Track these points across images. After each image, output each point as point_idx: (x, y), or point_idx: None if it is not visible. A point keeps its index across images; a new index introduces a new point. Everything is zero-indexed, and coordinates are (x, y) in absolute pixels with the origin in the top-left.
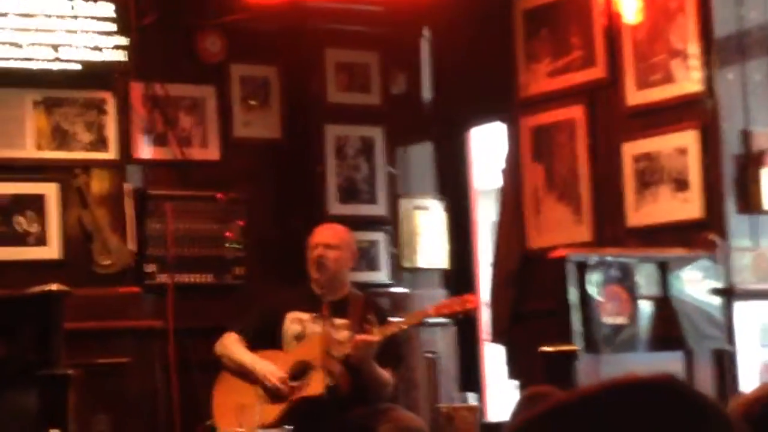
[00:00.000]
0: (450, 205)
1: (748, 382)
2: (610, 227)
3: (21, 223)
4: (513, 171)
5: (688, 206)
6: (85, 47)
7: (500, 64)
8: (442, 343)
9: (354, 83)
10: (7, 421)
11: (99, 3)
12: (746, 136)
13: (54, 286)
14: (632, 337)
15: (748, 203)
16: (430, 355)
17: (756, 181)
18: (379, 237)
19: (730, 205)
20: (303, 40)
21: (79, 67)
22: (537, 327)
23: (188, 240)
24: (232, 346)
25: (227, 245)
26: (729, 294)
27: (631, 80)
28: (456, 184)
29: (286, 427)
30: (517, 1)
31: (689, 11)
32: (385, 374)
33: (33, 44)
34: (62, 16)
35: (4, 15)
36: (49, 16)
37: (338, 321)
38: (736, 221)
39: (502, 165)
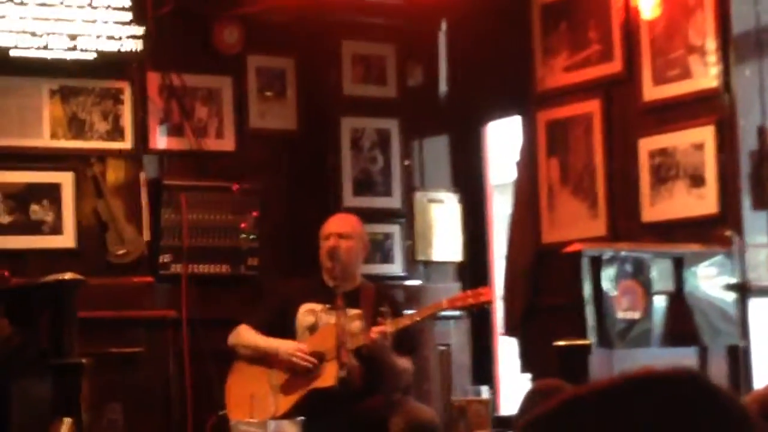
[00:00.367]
0: (465, 199)
1: (761, 378)
2: (625, 222)
3: (36, 211)
4: (528, 165)
5: (704, 202)
6: (102, 37)
7: (517, 57)
8: (455, 335)
9: (370, 75)
10: (20, 409)
11: None
12: (763, 132)
13: (68, 275)
14: (646, 333)
15: (764, 199)
16: (443, 347)
17: None
18: (394, 230)
19: (746, 201)
20: (320, 32)
21: (95, 56)
22: (551, 321)
23: (203, 230)
24: (246, 334)
25: (242, 236)
26: (744, 290)
27: (648, 75)
28: (471, 178)
29: (299, 418)
30: None
31: (707, 7)
32: (404, 362)
33: (50, 33)
34: (80, 6)
35: (23, 4)
36: (67, 6)
37: (351, 312)
38: (751, 217)
39: (517, 159)
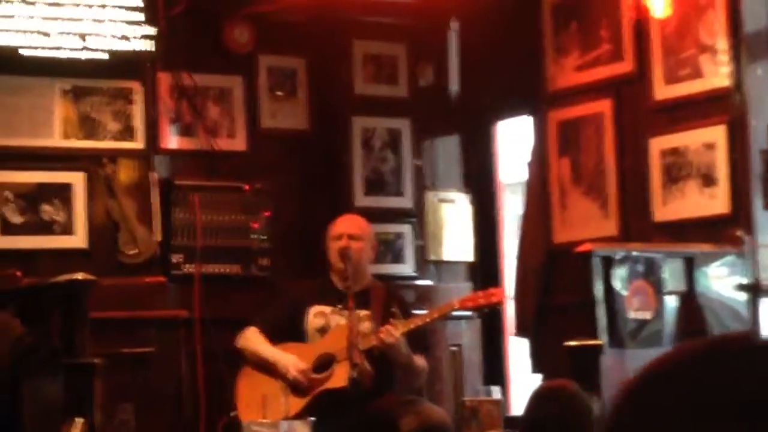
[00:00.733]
0: (476, 198)
1: None
2: (636, 222)
3: (47, 211)
4: (539, 164)
5: (716, 202)
6: (113, 37)
7: (528, 57)
8: (466, 336)
9: (381, 75)
10: (32, 409)
11: None
12: None
13: (80, 275)
14: (657, 333)
15: None
16: (454, 348)
17: None
18: (405, 229)
19: (758, 200)
20: (331, 32)
21: (106, 56)
22: (562, 321)
23: (214, 230)
24: (253, 339)
25: (253, 236)
26: (755, 290)
27: (660, 75)
28: (482, 178)
29: (310, 418)
30: None
31: (719, 6)
32: (419, 361)
33: (61, 33)
34: (90, 6)
35: (33, 3)
36: (78, 5)
37: (361, 312)
38: (763, 217)
39: (528, 158)
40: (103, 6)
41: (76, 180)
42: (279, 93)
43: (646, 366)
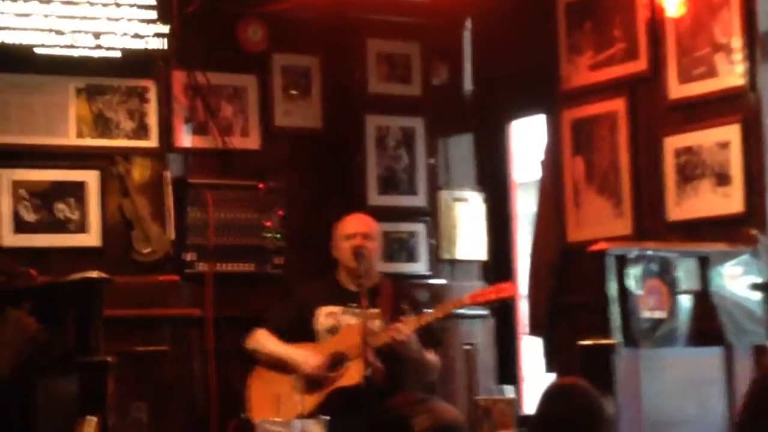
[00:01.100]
0: (489, 197)
1: None
2: (650, 221)
3: (62, 210)
4: (552, 163)
5: (730, 201)
6: (127, 35)
7: (542, 56)
8: (480, 335)
9: (395, 74)
10: (46, 407)
11: None
12: None
13: (94, 274)
14: (671, 332)
15: None
16: (468, 347)
17: None
18: (419, 228)
19: None
20: (345, 30)
21: (120, 54)
22: (575, 320)
23: (228, 229)
24: (264, 339)
25: (267, 235)
26: None
27: (674, 74)
28: (496, 176)
29: (323, 417)
30: None
31: (733, 5)
32: (431, 356)
33: (76, 31)
34: (105, 4)
35: (48, 2)
36: (92, 4)
37: (371, 310)
38: None
39: (542, 157)
40: (117, 4)
41: (90, 178)
42: (293, 92)
43: None
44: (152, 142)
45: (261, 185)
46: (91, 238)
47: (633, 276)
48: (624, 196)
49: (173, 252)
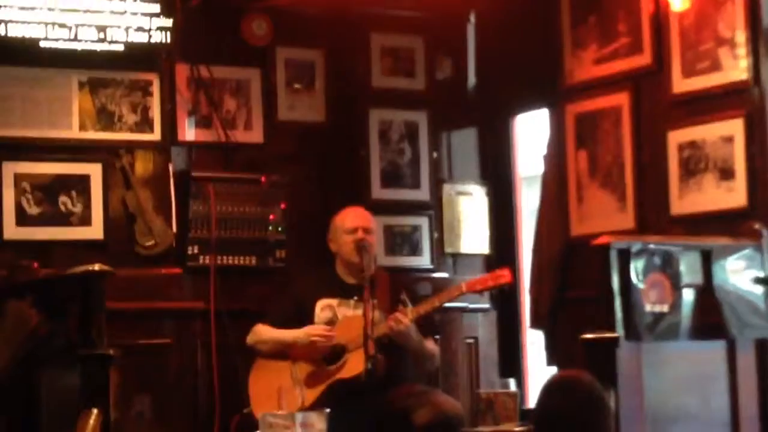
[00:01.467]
0: (493, 191)
1: None
2: (653, 215)
3: (65, 203)
4: (556, 157)
5: (733, 195)
6: (131, 28)
7: (546, 50)
8: (482, 328)
9: (399, 68)
10: (49, 400)
11: None
12: None
13: (97, 267)
14: (674, 326)
15: None
16: (470, 340)
17: None
18: (422, 222)
19: None
20: (348, 24)
21: (124, 48)
22: (578, 314)
23: (231, 222)
24: (264, 331)
25: (269, 228)
26: None
27: (678, 68)
28: (499, 170)
29: (325, 409)
30: None
31: None
32: (430, 345)
33: (79, 25)
34: None
35: None
36: None
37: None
38: None
39: (545, 151)
40: None
41: (94, 171)
42: (296, 85)
43: None
44: (155, 135)
45: (263, 179)
46: (94, 231)
47: (636, 270)
48: (627, 190)
49: (176, 245)
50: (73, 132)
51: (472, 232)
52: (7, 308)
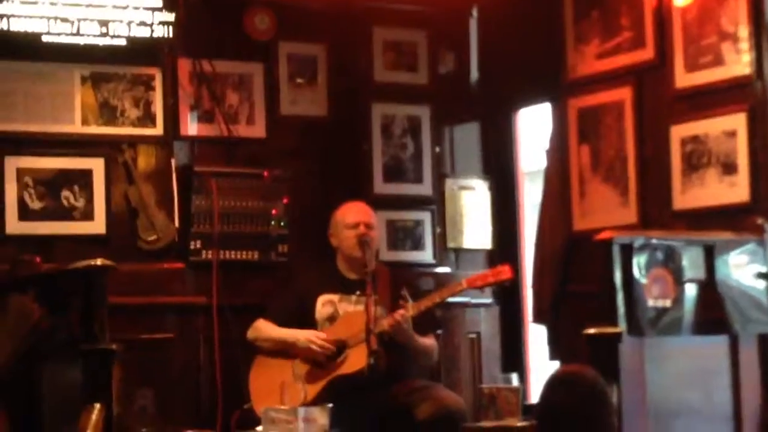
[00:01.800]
0: (495, 186)
1: None
2: (656, 210)
3: (68, 197)
4: (558, 152)
5: (736, 190)
6: (133, 23)
7: (549, 44)
8: (485, 323)
9: (401, 62)
10: (51, 395)
11: None
12: None
13: (99, 261)
14: (677, 321)
15: None
16: (473, 335)
17: None
18: (425, 217)
19: None
20: (351, 19)
21: (126, 42)
22: (581, 309)
23: (233, 217)
24: (265, 327)
25: (272, 223)
26: None
27: (680, 62)
28: (502, 165)
29: (327, 404)
30: None
31: None
32: (429, 341)
33: (82, 19)
34: None
35: None
36: None
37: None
38: None
39: (547, 146)
40: None
41: (96, 166)
42: (299, 80)
43: None
44: (158, 130)
45: (266, 173)
46: (96, 225)
47: (638, 264)
48: (630, 185)
49: (178, 240)
50: (75, 126)
51: (475, 227)
52: (10, 303)
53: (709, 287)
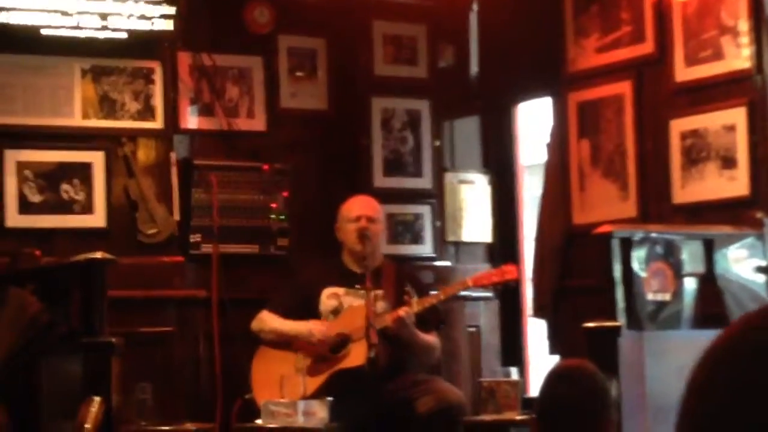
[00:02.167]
0: (495, 180)
1: None
2: (655, 204)
3: (67, 191)
4: (558, 146)
5: (735, 184)
6: (133, 16)
7: (548, 38)
8: (484, 317)
9: (401, 56)
10: (50, 388)
11: None
12: None
13: (99, 255)
14: (676, 315)
15: None
16: (472, 328)
17: None
18: (424, 210)
19: None
20: (351, 12)
21: (126, 36)
22: (580, 302)
23: (233, 210)
24: (269, 319)
25: (272, 216)
26: None
27: (680, 56)
28: (502, 159)
29: (327, 398)
30: None
31: None
32: (431, 339)
33: (81, 12)
34: None
35: None
36: None
37: (376, 292)
38: None
39: (547, 140)
40: None
41: (96, 159)
42: (299, 73)
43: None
44: (158, 123)
45: (266, 167)
46: (96, 219)
47: (638, 258)
48: (629, 179)
49: (178, 233)
50: (75, 120)
51: (474, 221)
52: (9, 296)
53: (709, 281)
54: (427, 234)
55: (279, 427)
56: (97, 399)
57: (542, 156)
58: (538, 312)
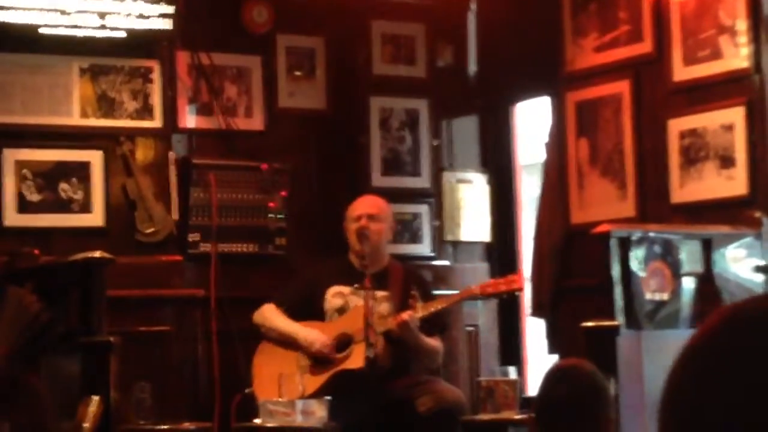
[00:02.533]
0: (493, 179)
1: None
2: (654, 203)
3: (66, 190)
4: (557, 145)
5: (734, 183)
6: (132, 15)
7: (547, 38)
8: (483, 316)
9: (400, 55)
10: (49, 387)
11: None
12: None
13: (97, 254)
14: (674, 314)
15: None
16: (471, 328)
17: None
18: (422, 210)
19: None
20: (349, 12)
21: (125, 35)
22: (578, 302)
23: (231, 209)
24: (271, 315)
25: (270, 215)
26: None
27: (679, 56)
28: (500, 158)
29: (326, 398)
30: None
31: None
32: (434, 342)
33: (80, 11)
34: None
35: None
36: None
37: (379, 293)
38: None
39: (546, 139)
40: None
41: (94, 158)
42: (297, 73)
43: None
44: (156, 122)
45: (264, 166)
46: (95, 218)
47: (636, 258)
48: (628, 179)
49: (177, 232)
50: (73, 119)
51: (473, 220)
52: (8, 295)
53: (707, 280)
54: (426, 233)
55: (277, 427)
56: (95, 398)
57: (540, 155)
58: (537, 311)
